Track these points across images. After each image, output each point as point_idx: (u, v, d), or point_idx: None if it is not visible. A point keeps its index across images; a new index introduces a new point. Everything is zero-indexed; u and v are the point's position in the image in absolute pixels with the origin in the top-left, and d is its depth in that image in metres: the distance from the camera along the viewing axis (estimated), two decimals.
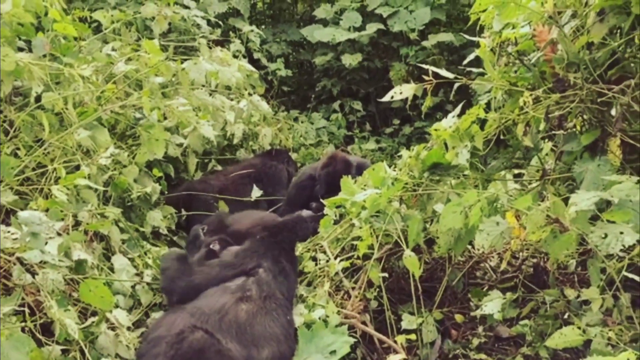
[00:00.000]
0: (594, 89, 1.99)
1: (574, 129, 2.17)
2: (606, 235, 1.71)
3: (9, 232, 1.84)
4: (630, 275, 1.94)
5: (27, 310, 1.83)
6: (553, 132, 2.22)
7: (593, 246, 1.74)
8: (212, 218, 3.00)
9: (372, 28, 4.98)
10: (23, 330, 1.76)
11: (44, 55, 2.55)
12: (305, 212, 2.95)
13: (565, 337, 1.81)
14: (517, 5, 2.04)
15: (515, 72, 2.31)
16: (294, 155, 4.22)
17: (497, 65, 2.27)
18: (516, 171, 2.53)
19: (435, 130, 2.26)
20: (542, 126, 2.18)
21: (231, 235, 2.70)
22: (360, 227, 2.33)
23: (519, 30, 2.20)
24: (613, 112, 2.00)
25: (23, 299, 1.85)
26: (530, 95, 2.05)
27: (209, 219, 2.99)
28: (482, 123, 2.21)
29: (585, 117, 2.14)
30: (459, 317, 2.39)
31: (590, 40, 1.99)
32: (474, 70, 2.38)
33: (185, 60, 3.13)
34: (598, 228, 1.74)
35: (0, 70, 2.26)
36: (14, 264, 1.86)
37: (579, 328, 1.84)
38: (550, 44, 2.05)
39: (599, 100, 2.00)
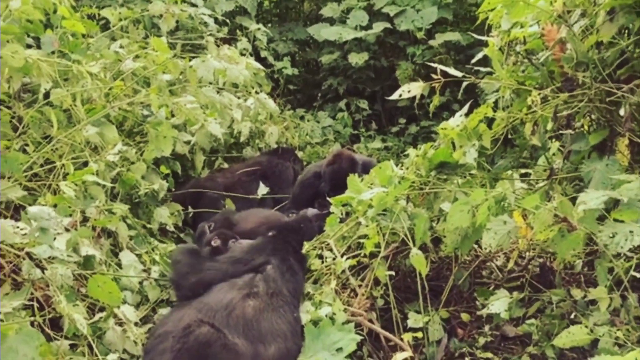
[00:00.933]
0: (603, 89, 1.98)
1: (582, 129, 2.17)
2: (615, 235, 1.70)
3: (18, 227, 1.86)
4: (639, 275, 1.94)
5: (36, 305, 1.85)
6: (561, 131, 2.21)
7: (601, 245, 1.73)
8: (218, 216, 3.02)
9: (378, 27, 4.97)
10: (32, 324, 1.77)
11: (53, 52, 2.58)
12: (311, 211, 2.95)
13: (572, 336, 1.81)
14: (526, 4, 2.03)
15: (524, 71, 2.31)
16: (300, 154, 4.21)
17: (505, 64, 2.27)
18: (523, 170, 2.52)
19: (443, 129, 2.25)
20: (549, 125, 2.17)
21: (236, 234, 2.70)
22: (367, 225, 2.33)
23: (527, 29, 2.20)
24: (622, 111, 2.00)
25: (32, 293, 1.87)
26: (539, 94, 2.04)
27: (215, 217, 3.01)
28: (489, 122, 2.20)
29: (593, 116, 2.13)
30: (465, 316, 2.39)
31: (599, 39, 1.99)
32: (482, 69, 2.38)
33: (193, 58, 3.14)
34: (607, 227, 1.73)
35: (9, 67, 2.28)
36: (24, 258, 1.87)
37: (586, 327, 1.83)
38: (559, 43, 2.05)
39: (607, 99, 2.00)
